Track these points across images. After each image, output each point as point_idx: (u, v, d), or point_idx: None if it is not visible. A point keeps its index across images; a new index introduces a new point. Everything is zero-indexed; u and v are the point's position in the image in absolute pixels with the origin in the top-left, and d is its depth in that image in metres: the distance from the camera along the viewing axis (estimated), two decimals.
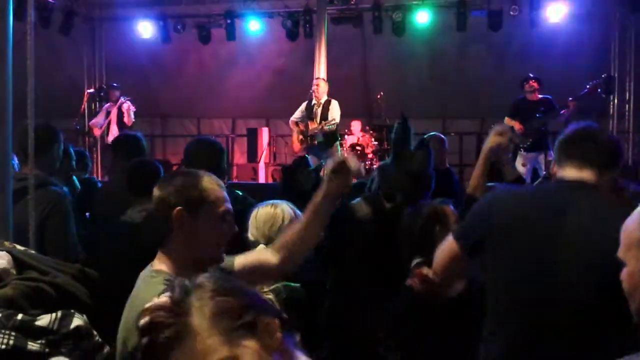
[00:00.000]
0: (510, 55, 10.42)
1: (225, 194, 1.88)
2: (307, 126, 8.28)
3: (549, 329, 1.86)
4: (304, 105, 8.46)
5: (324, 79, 8.75)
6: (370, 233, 2.92)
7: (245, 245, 2.51)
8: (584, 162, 1.96)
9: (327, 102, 8.28)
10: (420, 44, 10.48)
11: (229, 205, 1.86)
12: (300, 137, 8.40)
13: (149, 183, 3.24)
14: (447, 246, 2.13)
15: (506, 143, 2.70)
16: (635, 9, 8.75)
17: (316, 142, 8.25)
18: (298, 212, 2.62)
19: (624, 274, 1.32)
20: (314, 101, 8.34)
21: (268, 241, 2.47)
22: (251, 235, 2.55)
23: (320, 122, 8.16)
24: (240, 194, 3.69)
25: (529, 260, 1.91)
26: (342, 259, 3.08)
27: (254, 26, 10.69)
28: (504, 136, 2.69)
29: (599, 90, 7.85)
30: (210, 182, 1.84)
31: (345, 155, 2.05)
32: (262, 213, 2.58)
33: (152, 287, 1.68)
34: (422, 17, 9.92)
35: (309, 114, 8.32)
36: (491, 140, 2.69)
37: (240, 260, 2.02)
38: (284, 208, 2.58)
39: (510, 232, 1.94)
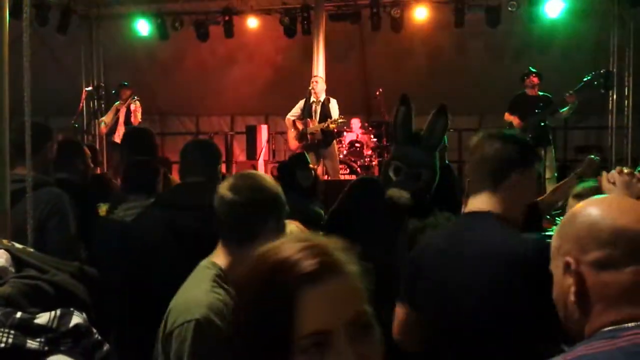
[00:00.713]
0: (509, 51, 10.42)
1: None
2: (306, 124, 8.26)
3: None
4: (301, 102, 8.44)
5: (321, 77, 8.73)
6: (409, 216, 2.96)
7: None
8: (479, 188, 1.98)
9: (327, 100, 8.28)
10: (419, 40, 10.47)
11: None
12: (299, 134, 8.39)
13: (147, 183, 3.28)
14: (398, 314, 2.11)
15: None
16: (635, 4, 8.72)
17: (315, 141, 8.23)
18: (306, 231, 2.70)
19: (554, 284, 1.33)
20: (312, 99, 8.32)
21: None
22: None
23: (321, 121, 8.14)
24: None
25: (440, 291, 1.93)
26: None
27: (251, 23, 10.67)
28: None
29: (596, 82, 7.87)
30: (276, 184, 2.02)
31: None
32: None
33: (202, 278, 1.89)
34: (420, 14, 9.91)
35: (308, 112, 8.30)
36: None
37: None
38: (292, 229, 2.59)
39: (429, 270, 1.99)
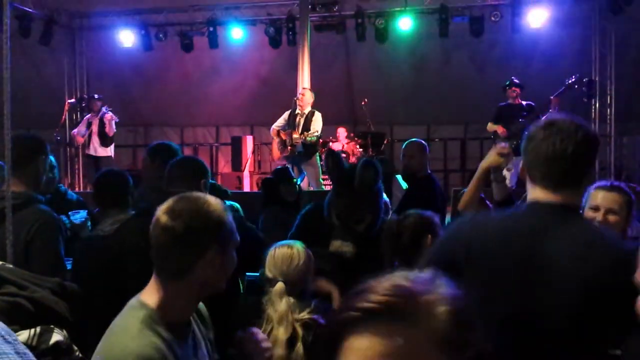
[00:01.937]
0: (493, 60, 10.50)
1: None
2: (290, 135, 8.23)
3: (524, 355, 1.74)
4: (287, 113, 8.40)
5: (310, 90, 8.67)
6: (360, 264, 3.04)
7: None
8: (559, 182, 1.78)
9: (311, 114, 8.23)
10: (404, 50, 10.52)
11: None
12: (281, 145, 8.35)
13: (119, 194, 3.21)
14: None
15: (505, 163, 2.65)
16: (615, 12, 8.83)
17: (296, 153, 8.20)
18: (309, 251, 2.79)
19: None
20: (297, 110, 8.28)
21: (285, 278, 2.65)
22: (269, 272, 2.70)
23: (302, 133, 8.11)
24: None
25: (504, 287, 1.76)
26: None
27: (236, 34, 10.65)
28: (505, 158, 2.63)
29: (577, 86, 7.95)
30: (224, 209, 1.73)
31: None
32: (279, 253, 2.75)
33: (130, 321, 1.61)
34: (405, 24, 9.94)
35: (292, 123, 8.27)
36: (491, 159, 2.62)
37: None
38: (299, 249, 2.76)
39: (484, 259, 1.79)
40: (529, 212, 1.83)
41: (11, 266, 1.76)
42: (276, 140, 8.45)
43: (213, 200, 1.72)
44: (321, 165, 8.71)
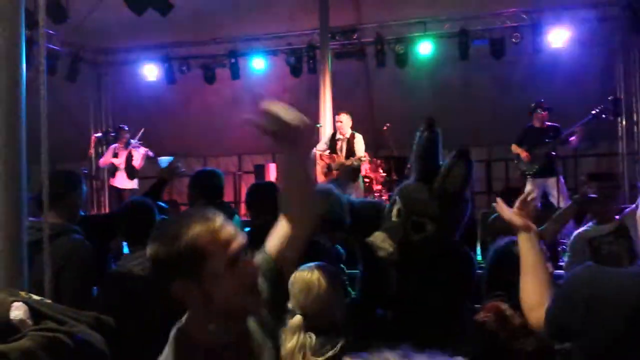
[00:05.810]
0: (515, 82, 10.43)
1: (231, 227, 1.55)
2: (333, 159, 8.32)
3: None
4: (327, 137, 8.48)
5: (345, 113, 8.63)
6: (397, 276, 2.56)
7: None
8: None
9: (352, 137, 8.34)
10: (424, 74, 10.51)
11: (238, 241, 1.53)
12: (325, 169, 8.40)
13: (143, 229, 3.06)
14: None
15: None
16: (639, 30, 8.74)
17: (341, 174, 8.26)
18: (336, 276, 2.42)
19: None
20: (338, 135, 8.37)
21: (303, 311, 2.32)
22: (290, 302, 2.34)
23: (347, 157, 8.19)
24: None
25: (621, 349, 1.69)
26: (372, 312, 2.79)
27: (257, 64, 10.78)
28: None
29: (604, 115, 7.78)
30: (205, 225, 1.51)
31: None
32: (299, 280, 2.37)
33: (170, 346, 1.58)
34: (425, 48, 9.97)
35: (333, 148, 8.35)
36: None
37: (271, 246, 1.77)
38: (320, 275, 2.36)
39: (601, 318, 1.71)
40: None
41: (49, 301, 1.76)
42: (319, 163, 8.51)
43: (183, 217, 1.61)
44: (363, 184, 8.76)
